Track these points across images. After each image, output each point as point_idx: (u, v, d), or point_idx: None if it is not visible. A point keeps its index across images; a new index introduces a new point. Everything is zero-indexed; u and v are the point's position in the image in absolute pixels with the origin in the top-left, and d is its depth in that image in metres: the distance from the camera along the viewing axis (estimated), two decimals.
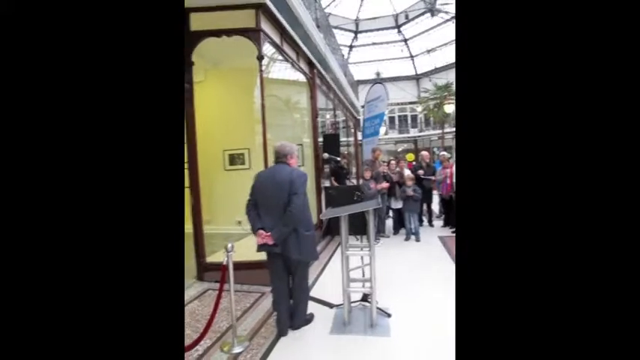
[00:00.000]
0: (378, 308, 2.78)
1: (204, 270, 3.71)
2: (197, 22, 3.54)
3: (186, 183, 4.11)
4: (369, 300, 2.73)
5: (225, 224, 6.03)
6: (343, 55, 11.11)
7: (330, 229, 5.94)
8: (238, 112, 5.87)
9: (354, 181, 7.82)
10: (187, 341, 2.28)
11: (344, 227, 2.59)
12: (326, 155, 2.89)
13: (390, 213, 6.17)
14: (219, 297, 2.29)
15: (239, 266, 3.72)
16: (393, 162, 6.19)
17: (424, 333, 2.48)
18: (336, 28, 18.72)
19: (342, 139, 12.66)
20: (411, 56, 23.54)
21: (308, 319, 2.70)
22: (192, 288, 3.43)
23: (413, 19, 21.76)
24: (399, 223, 5.98)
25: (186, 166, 4.21)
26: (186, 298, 3.19)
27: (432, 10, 20.95)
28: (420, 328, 2.57)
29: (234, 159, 6.20)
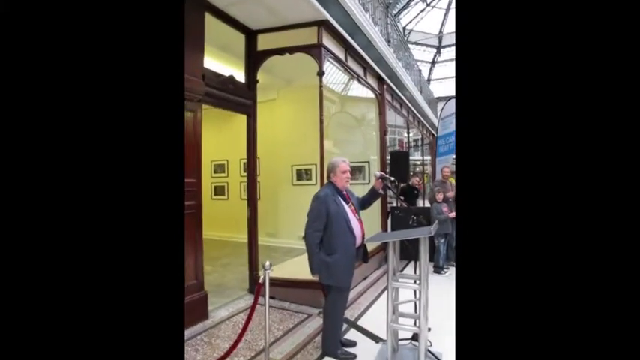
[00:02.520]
0: (429, 351, 2.42)
1: (256, 283, 3.72)
2: (263, 42, 3.70)
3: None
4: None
5: (289, 238, 6.09)
6: (420, 71, 10.65)
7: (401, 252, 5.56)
8: (307, 128, 5.96)
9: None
10: (220, 354, 2.25)
11: (391, 255, 2.33)
12: (378, 174, 2.68)
13: None
14: (250, 316, 2.23)
15: (291, 284, 3.67)
16: None
17: None
18: (414, 44, 18.19)
19: (418, 157, 12.08)
20: None
21: (343, 354, 2.45)
22: (241, 300, 3.45)
23: None
24: None
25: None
26: (234, 309, 3.21)
27: None
28: None
29: (302, 174, 6.28)
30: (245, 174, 6.95)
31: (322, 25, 3.51)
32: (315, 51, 3.54)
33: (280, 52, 3.63)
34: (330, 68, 4.38)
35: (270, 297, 3.65)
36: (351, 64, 4.47)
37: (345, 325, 2.95)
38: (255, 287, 3.79)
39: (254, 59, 3.69)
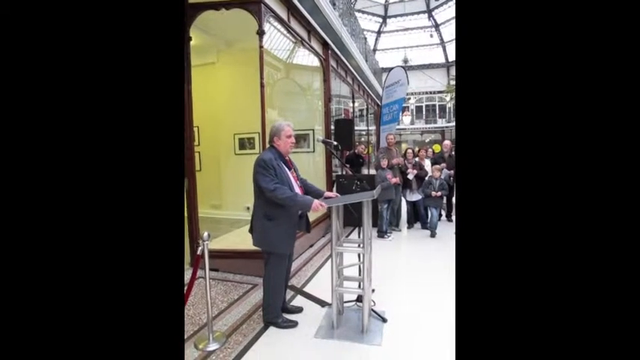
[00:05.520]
0: (373, 311, 2.52)
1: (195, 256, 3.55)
2: None
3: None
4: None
5: (235, 209, 5.89)
6: (366, 39, 10.58)
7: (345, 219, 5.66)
8: (250, 94, 5.63)
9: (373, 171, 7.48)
10: None
11: (334, 221, 2.32)
12: (320, 138, 2.62)
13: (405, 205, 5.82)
14: (188, 290, 2.11)
15: (235, 255, 3.56)
16: (410, 150, 5.78)
17: (421, 344, 2.20)
18: (359, 11, 17.93)
19: (363, 128, 12.25)
20: (442, 43, 22.40)
21: (284, 322, 2.42)
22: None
23: (445, 2, 20.59)
24: (414, 217, 5.63)
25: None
26: None
27: None
28: (419, 338, 2.28)
29: (244, 143, 6.00)
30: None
31: None
32: (253, 7, 3.27)
33: (215, 6, 3.29)
34: (274, 33, 4.10)
35: (214, 269, 3.53)
36: (295, 26, 4.24)
37: (291, 293, 2.96)
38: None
39: (186, 13, 3.30)
